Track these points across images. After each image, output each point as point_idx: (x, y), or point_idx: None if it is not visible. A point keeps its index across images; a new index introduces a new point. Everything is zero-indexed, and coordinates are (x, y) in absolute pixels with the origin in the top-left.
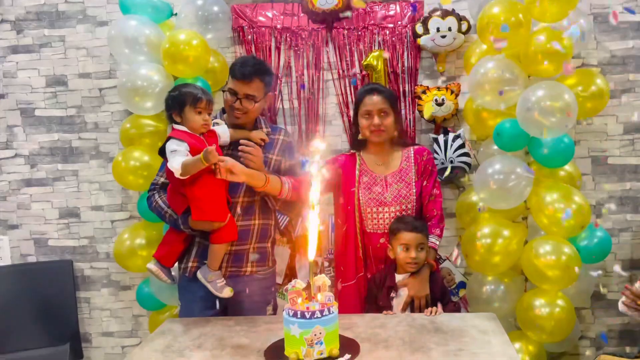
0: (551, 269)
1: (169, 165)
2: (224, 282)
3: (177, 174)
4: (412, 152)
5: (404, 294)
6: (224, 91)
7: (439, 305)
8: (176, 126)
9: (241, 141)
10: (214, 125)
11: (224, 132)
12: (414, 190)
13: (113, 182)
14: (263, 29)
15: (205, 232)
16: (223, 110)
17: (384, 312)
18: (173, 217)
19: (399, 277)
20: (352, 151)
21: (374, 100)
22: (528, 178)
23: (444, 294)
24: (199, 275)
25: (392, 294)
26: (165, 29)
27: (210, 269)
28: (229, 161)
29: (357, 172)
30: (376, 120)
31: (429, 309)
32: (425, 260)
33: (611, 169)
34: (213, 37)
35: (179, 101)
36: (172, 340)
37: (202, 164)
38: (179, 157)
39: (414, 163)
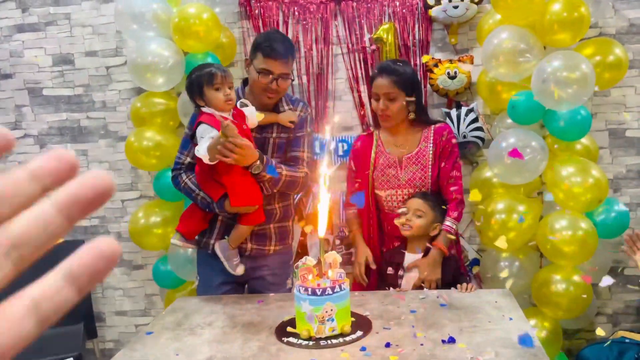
0: (567, 244)
1: (196, 152)
2: (239, 260)
3: (205, 160)
4: (432, 131)
5: (414, 274)
6: (259, 73)
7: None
8: (204, 109)
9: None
10: (241, 106)
11: (251, 114)
12: (430, 173)
13: (123, 162)
14: (270, 2)
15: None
16: (244, 83)
17: (397, 289)
18: (206, 200)
19: (410, 257)
20: (370, 130)
21: (380, 84)
22: (543, 151)
23: (455, 280)
24: (217, 249)
25: (400, 272)
26: (173, 3)
27: (230, 246)
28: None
29: (372, 154)
30: (381, 104)
31: (462, 285)
32: (429, 237)
33: (629, 142)
34: (220, 12)
35: (197, 84)
36: (184, 318)
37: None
38: (205, 143)
39: (432, 143)
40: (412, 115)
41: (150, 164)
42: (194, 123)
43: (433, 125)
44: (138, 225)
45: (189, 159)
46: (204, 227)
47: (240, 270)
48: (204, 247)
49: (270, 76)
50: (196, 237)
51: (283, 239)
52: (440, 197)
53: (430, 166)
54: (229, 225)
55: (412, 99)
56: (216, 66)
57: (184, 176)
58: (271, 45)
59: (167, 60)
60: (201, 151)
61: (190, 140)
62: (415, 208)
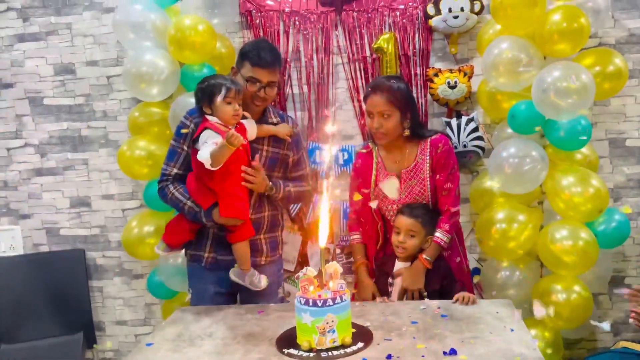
0: (568, 254)
1: (198, 156)
2: (257, 274)
3: (207, 165)
4: (429, 143)
5: (399, 283)
6: (247, 81)
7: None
8: (209, 117)
9: (243, 167)
10: (242, 118)
11: (251, 127)
12: (428, 187)
13: None
14: (271, 12)
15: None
16: None
17: (377, 299)
18: (194, 209)
19: (399, 265)
20: (369, 146)
21: (374, 102)
22: (544, 161)
23: (443, 288)
24: (235, 278)
25: (390, 280)
26: (172, 14)
27: (243, 270)
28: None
29: (373, 171)
30: (375, 123)
31: (461, 294)
32: (420, 249)
33: (629, 151)
34: (220, 22)
35: (208, 93)
36: (183, 329)
37: (229, 148)
38: (208, 148)
39: (428, 156)
40: (407, 132)
41: (143, 173)
42: (180, 130)
43: (429, 138)
44: (131, 235)
45: (175, 170)
46: (190, 238)
47: (264, 282)
48: (193, 261)
49: (258, 84)
50: (183, 248)
51: (274, 250)
52: (427, 209)
53: (428, 179)
54: (219, 237)
55: (407, 119)
56: (232, 80)
57: (171, 187)
58: (259, 54)
59: (162, 70)
60: (204, 155)
61: (176, 152)
62: (407, 229)
